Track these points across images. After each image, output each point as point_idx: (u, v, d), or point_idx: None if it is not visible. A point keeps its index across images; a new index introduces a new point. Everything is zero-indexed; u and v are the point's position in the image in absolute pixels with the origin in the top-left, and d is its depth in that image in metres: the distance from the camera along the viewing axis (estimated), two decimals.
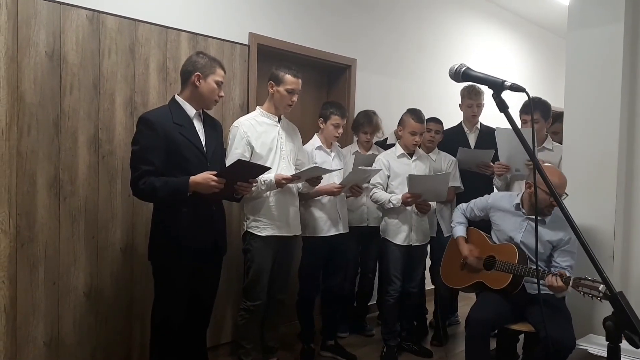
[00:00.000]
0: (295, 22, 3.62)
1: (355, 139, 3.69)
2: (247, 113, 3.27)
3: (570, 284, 2.28)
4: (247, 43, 3.32)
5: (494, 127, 3.82)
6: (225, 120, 3.12)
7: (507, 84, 1.27)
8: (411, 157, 3.26)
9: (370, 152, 3.59)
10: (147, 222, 2.86)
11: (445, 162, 3.57)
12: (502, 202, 2.78)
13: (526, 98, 1.28)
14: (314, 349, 3.28)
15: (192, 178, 2.25)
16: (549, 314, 2.45)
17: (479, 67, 5.49)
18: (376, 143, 3.76)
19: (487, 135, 3.77)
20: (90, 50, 2.63)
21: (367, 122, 3.52)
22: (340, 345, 3.41)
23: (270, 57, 3.52)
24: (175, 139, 2.29)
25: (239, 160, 2.38)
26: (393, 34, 4.38)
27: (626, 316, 1.01)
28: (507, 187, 3.36)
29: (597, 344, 2.35)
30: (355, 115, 3.76)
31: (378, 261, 3.62)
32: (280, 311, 3.03)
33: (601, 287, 2.15)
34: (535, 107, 3.20)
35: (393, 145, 3.88)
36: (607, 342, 1.07)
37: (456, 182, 3.55)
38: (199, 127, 2.42)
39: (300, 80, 2.81)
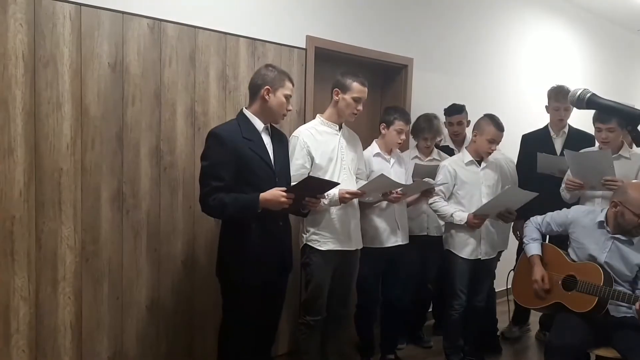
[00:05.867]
0: (351, 22, 3.46)
1: (414, 143, 3.53)
2: (304, 119, 3.17)
3: None
4: (304, 46, 3.20)
5: (585, 130, 3.56)
6: (282, 128, 3.01)
7: None
8: (479, 165, 3.08)
9: (430, 158, 3.44)
10: (207, 234, 2.83)
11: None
12: (584, 218, 2.58)
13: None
14: None
15: (262, 195, 2.18)
16: (637, 340, 2.27)
17: (541, 61, 5.11)
18: None
19: (577, 139, 3.52)
20: (151, 59, 2.57)
21: (427, 127, 3.36)
22: (400, 358, 3.30)
23: (326, 60, 3.39)
24: (245, 155, 2.23)
25: (309, 177, 2.29)
26: (450, 31, 4.16)
27: None
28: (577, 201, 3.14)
29: None
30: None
31: (439, 271, 3.47)
32: (342, 326, 2.93)
33: None
34: (610, 115, 2.95)
35: (447, 147, 3.71)
36: None
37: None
38: (267, 141, 2.35)
39: (366, 89, 2.69)
